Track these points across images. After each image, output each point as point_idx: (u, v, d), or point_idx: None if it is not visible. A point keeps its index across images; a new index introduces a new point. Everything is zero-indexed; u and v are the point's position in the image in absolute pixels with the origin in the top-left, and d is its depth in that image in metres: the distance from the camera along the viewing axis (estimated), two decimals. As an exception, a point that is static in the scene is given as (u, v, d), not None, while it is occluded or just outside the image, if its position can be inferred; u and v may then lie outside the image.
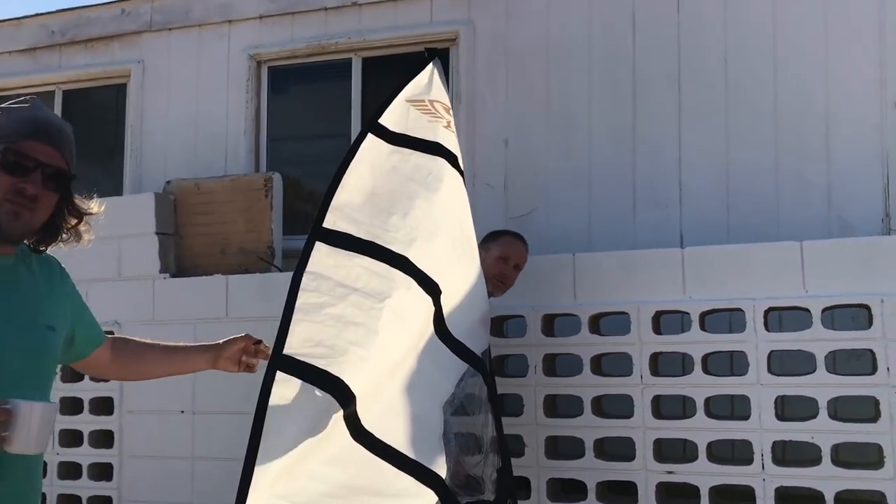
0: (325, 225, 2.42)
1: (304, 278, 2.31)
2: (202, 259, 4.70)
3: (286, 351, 2.23)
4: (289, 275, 2.41)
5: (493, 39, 4.80)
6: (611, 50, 4.58)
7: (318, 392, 2.23)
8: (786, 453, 3.59)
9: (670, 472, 3.62)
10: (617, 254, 3.92)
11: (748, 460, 3.52)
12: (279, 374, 2.18)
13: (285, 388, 2.19)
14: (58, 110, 5.82)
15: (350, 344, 2.34)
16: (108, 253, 4.70)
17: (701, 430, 3.59)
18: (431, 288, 2.68)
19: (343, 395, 2.27)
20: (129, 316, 4.61)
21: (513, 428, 3.81)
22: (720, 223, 4.27)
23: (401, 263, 2.58)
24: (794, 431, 3.49)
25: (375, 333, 2.41)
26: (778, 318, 3.72)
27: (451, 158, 2.98)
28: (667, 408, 3.77)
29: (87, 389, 4.60)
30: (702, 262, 3.72)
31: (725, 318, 3.79)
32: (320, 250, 2.38)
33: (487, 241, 3.52)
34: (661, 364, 3.78)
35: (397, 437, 2.46)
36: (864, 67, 4.22)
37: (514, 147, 4.72)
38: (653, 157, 4.47)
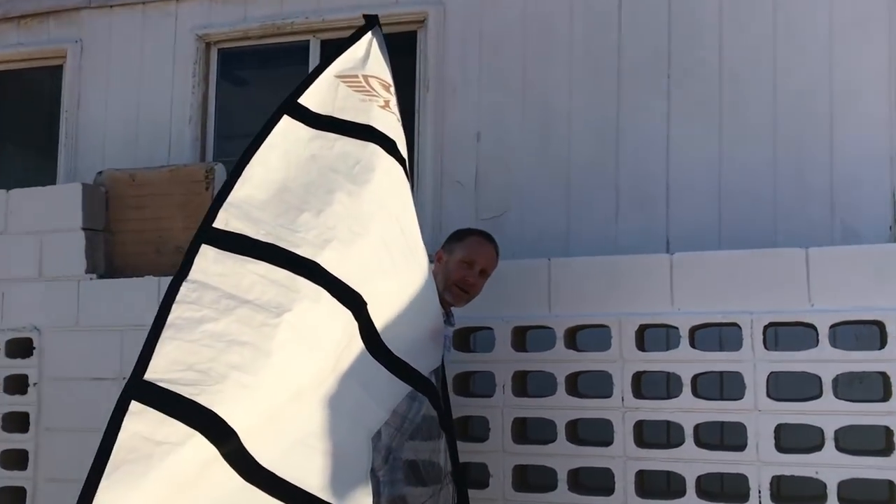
0: (215, 224, 2.09)
1: (182, 288, 1.98)
2: (135, 258, 4.23)
3: (148, 376, 1.86)
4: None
5: (465, 21, 4.37)
6: (594, 35, 4.16)
7: (181, 426, 1.85)
8: (786, 490, 3.20)
9: (655, 510, 3.21)
10: (597, 259, 3.49)
11: (743, 496, 3.13)
12: (133, 405, 1.81)
13: (140, 422, 1.81)
14: (-13, 95, 5.33)
15: (231, 368, 1.96)
16: (28, 250, 4.23)
17: (689, 461, 3.20)
18: (351, 299, 2.25)
19: (215, 430, 1.88)
20: (51, 321, 4.14)
21: (476, 455, 3.40)
22: (711, 228, 3.86)
23: (308, 270, 2.18)
24: (797, 465, 3.09)
25: (266, 355, 2.02)
26: (775, 334, 3.33)
27: (386, 144, 2.55)
28: (651, 435, 3.38)
29: (-1, 403, 4.10)
30: (693, 269, 3.31)
31: (719, 334, 3.40)
32: (206, 255, 2.05)
33: (451, 242, 3.08)
34: (644, 385, 3.38)
35: (308, 475, 2.07)
36: (873, 60, 3.83)
37: (487, 141, 4.29)
38: (638, 153, 4.06)
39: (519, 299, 3.48)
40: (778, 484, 3.19)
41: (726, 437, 3.43)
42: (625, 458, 3.26)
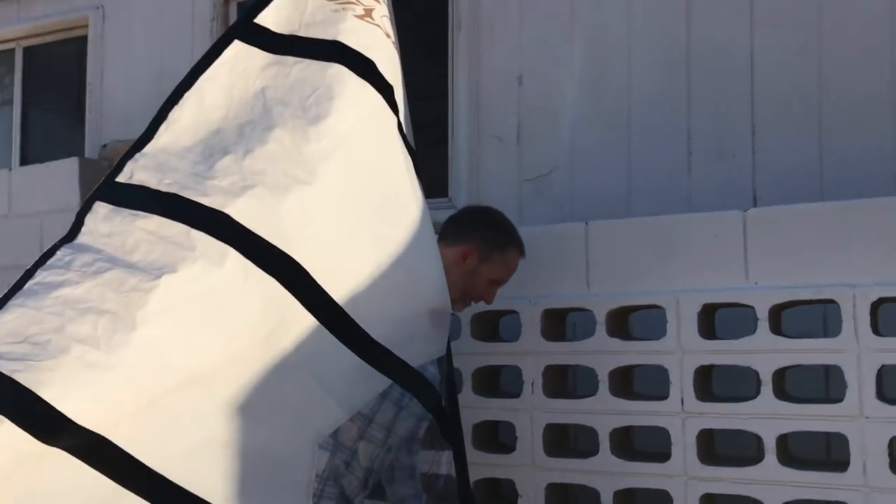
0: (119, 179, 1.70)
1: (58, 252, 1.59)
2: (136, 239, 3.79)
3: None
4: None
5: (501, -57, 3.67)
6: (656, -56, 3.37)
7: None
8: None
9: (725, 548, 2.47)
10: (647, 221, 2.74)
11: (848, 531, 2.32)
12: None
13: None
14: (19, 72, 5.07)
15: (75, 341, 1.50)
16: (28, 232, 3.88)
17: (773, 483, 2.42)
18: (277, 262, 1.70)
19: (34, 416, 1.45)
20: (50, 310, 3.75)
21: (501, 469, 2.77)
22: (810, 178, 3.03)
23: (211, 223, 1.67)
24: (921, 493, 2.26)
25: (130, 327, 1.55)
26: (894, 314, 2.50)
27: (360, 65, 1.92)
28: (722, 447, 2.63)
29: None
30: (774, 229, 2.52)
31: (812, 316, 2.62)
32: (97, 213, 1.66)
33: (490, 246, 2.47)
34: (714, 382, 2.62)
35: (217, 482, 1.62)
36: None
37: (530, 85, 3.59)
38: (715, 89, 3.26)
39: (551, 274, 2.78)
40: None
41: (833, 451, 2.63)
42: (686, 478, 2.52)
